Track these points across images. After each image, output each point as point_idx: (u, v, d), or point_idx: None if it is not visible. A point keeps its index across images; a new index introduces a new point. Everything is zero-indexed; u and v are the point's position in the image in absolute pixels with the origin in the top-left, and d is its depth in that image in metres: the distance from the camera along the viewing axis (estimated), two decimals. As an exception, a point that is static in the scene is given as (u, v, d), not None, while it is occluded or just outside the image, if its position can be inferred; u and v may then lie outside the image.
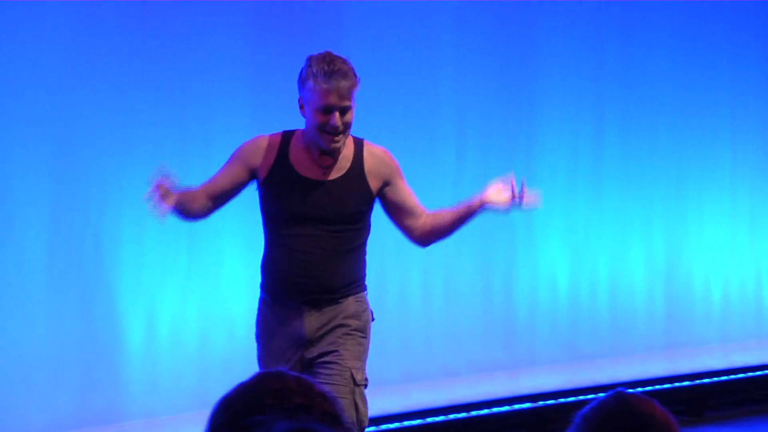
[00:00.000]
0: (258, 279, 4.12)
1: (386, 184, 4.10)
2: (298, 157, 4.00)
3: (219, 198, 4.04)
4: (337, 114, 3.92)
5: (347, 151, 4.04)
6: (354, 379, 4.04)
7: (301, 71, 3.99)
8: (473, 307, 7.02)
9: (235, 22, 6.17)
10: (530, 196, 4.19)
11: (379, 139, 6.68)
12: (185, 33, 5.97)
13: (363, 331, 4.10)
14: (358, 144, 4.08)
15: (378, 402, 6.20)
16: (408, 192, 4.17)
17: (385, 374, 6.65)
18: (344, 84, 3.94)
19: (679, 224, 7.90)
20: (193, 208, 3.99)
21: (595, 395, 2.12)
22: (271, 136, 4.06)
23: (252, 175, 4.02)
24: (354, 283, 4.12)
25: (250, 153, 4.02)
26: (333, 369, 3.96)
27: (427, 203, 7.23)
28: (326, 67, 3.93)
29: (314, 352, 4.00)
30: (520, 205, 4.21)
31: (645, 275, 7.75)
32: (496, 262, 7.14)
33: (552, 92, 7.32)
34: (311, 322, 3.99)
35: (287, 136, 4.05)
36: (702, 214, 7.99)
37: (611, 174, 7.59)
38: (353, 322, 4.07)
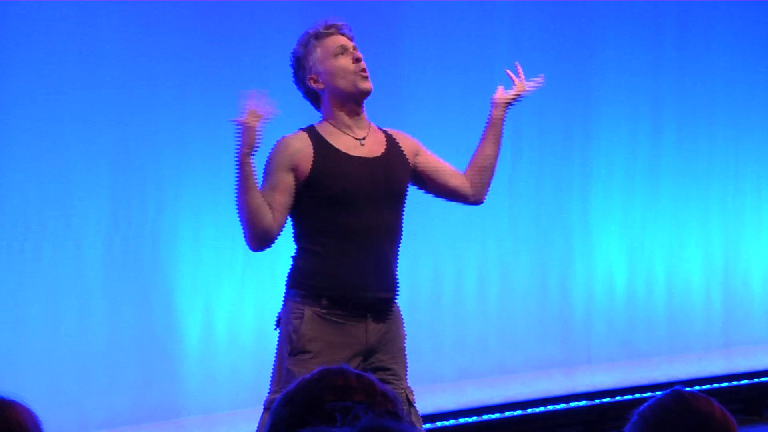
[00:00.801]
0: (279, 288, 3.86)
1: (416, 154, 3.96)
2: (336, 140, 3.78)
3: (282, 208, 3.72)
4: (354, 51, 3.84)
5: (377, 133, 3.89)
6: (408, 400, 3.83)
7: (296, 53, 3.86)
8: (529, 304, 7.00)
9: (293, 20, 6.19)
10: (531, 80, 4.14)
11: (435, 138, 6.68)
12: (250, 32, 5.99)
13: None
14: (384, 130, 3.96)
15: (433, 399, 6.20)
16: (438, 157, 4.03)
17: (440, 371, 6.65)
18: (347, 29, 3.89)
19: (737, 221, 7.83)
20: (266, 213, 3.67)
21: (652, 393, 2.11)
22: (297, 132, 3.83)
23: (295, 177, 3.73)
24: (398, 283, 3.87)
25: (286, 154, 3.75)
26: None
27: (484, 203, 7.20)
28: (323, 24, 3.87)
29: (374, 363, 3.74)
30: (526, 89, 4.18)
31: (702, 272, 7.68)
32: (552, 259, 7.11)
33: (609, 89, 7.28)
34: (374, 330, 3.73)
35: (311, 129, 3.83)
36: (760, 211, 7.91)
37: (668, 171, 7.53)
38: (404, 334, 3.86)
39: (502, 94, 4.19)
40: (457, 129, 6.72)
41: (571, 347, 7.15)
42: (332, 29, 3.85)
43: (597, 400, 6.58)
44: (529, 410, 6.37)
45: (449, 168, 4.03)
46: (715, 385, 6.92)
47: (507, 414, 6.30)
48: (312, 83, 3.83)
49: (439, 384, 6.60)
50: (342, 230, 3.70)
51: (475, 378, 6.72)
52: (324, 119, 3.86)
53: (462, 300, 6.76)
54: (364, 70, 3.83)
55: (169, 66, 5.75)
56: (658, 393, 1.99)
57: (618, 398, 6.60)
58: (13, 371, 5.22)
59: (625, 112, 7.34)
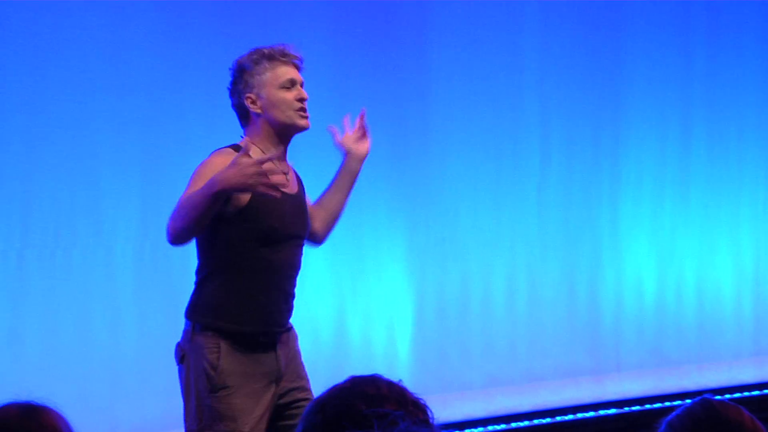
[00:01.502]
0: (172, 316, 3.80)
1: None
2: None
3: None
4: (301, 88, 3.73)
5: (288, 167, 3.80)
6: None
7: (243, 65, 3.71)
8: (558, 311, 6.98)
9: (323, 24, 6.21)
10: (361, 126, 3.98)
11: (462, 142, 6.71)
12: (282, 38, 6.01)
13: None
14: (290, 165, 3.87)
15: (462, 407, 6.20)
16: (312, 203, 3.93)
17: (468, 378, 6.65)
18: (300, 62, 3.77)
19: (768, 228, 7.79)
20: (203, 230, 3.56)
21: (681, 402, 2.11)
22: (228, 150, 3.65)
23: (227, 199, 3.55)
24: None
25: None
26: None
27: (511, 208, 7.23)
28: (280, 49, 3.73)
29: (285, 385, 3.72)
30: (364, 135, 3.99)
31: (733, 279, 7.64)
32: (581, 266, 7.09)
33: (638, 95, 7.26)
34: (283, 355, 3.71)
35: (239, 149, 3.60)
36: (792, 218, 7.87)
37: (698, 177, 7.50)
38: (298, 349, 3.82)
39: (352, 142, 4.00)
40: (485, 135, 6.72)
41: (600, 355, 7.12)
42: (287, 58, 3.74)
43: (626, 408, 6.55)
44: (558, 418, 6.35)
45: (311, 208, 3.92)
46: (746, 394, 6.88)
47: (536, 422, 6.29)
48: (249, 102, 3.71)
49: (468, 391, 6.59)
50: (260, 265, 3.62)
51: (504, 385, 6.71)
52: (250, 139, 3.73)
53: (490, 307, 6.76)
54: (304, 109, 3.73)
55: (199, 72, 5.77)
56: (687, 401, 1.98)
57: (647, 406, 6.57)
58: (45, 377, 5.25)
59: (655, 118, 7.32)
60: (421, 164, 6.53)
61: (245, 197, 3.59)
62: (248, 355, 3.64)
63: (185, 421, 3.72)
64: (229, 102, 3.83)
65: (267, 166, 3.46)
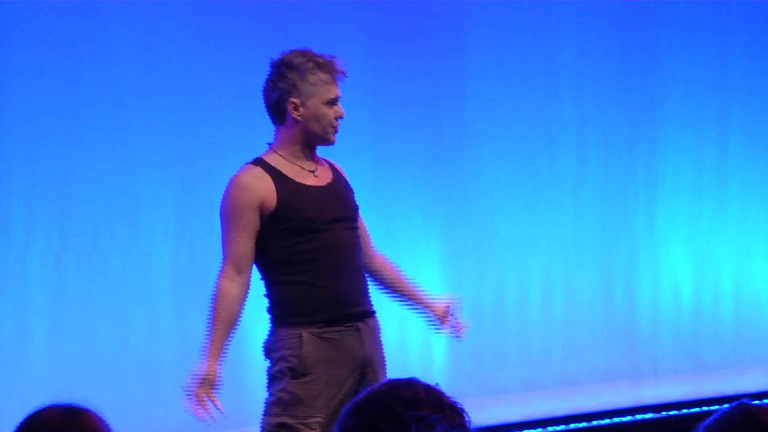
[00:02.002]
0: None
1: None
2: (289, 171, 3.82)
3: (251, 262, 3.81)
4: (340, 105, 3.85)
5: (321, 163, 3.93)
6: None
7: (293, 66, 3.79)
8: (594, 315, 6.96)
9: (359, 26, 6.22)
10: (461, 329, 4.11)
11: (498, 145, 6.70)
12: (318, 42, 6.03)
13: None
14: (325, 160, 4.00)
15: (497, 411, 6.19)
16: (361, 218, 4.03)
17: (504, 382, 6.64)
18: (345, 75, 3.88)
19: (807, 232, 7.73)
20: (239, 312, 3.83)
21: (719, 406, 2.10)
22: (249, 167, 3.83)
23: (260, 214, 3.77)
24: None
25: (249, 193, 3.76)
26: None
27: (547, 211, 7.21)
28: (334, 63, 3.82)
29: (369, 374, 3.84)
30: (453, 332, 4.14)
31: (771, 284, 7.59)
32: (618, 269, 7.06)
33: (675, 97, 7.23)
34: (368, 337, 3.85)
35: (261, 162, 3.84)
36: (831, 221, 7.80)
37: (736, 180, 7.46)
38: (382, 342, 3.97)
39: (438, 311, 4.15)
40: (521, 138, 6.71)
41: (637, 359, 7.09)
42: (339, 74, 3.83)
43: (663, 413, 6.52)
44: (595, 422, 6.33)
45: (365, 233, 4.04)
46: (784, 398, 6.83)
47: (572, 426, 6.27)
48: (291, 107, 3.80)
49: (503, 395, 6.58)
50: (309, 256, 3.77)
51: (540, 389, 6.69)
52: (272, 148, 3.87)
53: (526, 311, 6.74)
54: (337, 127, 3.85)
55: (236, 75, 5.79)
56: (725, 406, 1.98)
57: (684, 411, 6.54)
58: (83, 379, 5.29)
59: (692, 120, 7.29)
60: (457, 167, 6.53)
61: (272, 202, 3.75)
62: (330, 342, 3.78)
63: (265, 412, 3.86)
64: (263, 94, 3.89)
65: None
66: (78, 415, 2.00)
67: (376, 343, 3.90)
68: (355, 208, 3.93)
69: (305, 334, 3.76)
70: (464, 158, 6.55)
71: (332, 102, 3.81)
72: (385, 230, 6.25)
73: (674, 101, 7.23)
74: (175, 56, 5.68)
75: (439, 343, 6.44)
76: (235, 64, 5.80)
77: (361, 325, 3.83)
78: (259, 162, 3.85)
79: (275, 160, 3.83)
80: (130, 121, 5.58)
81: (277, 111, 3.84)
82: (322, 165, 3.93)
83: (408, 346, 6.34)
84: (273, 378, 3.84)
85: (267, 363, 3.88)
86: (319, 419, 3.75)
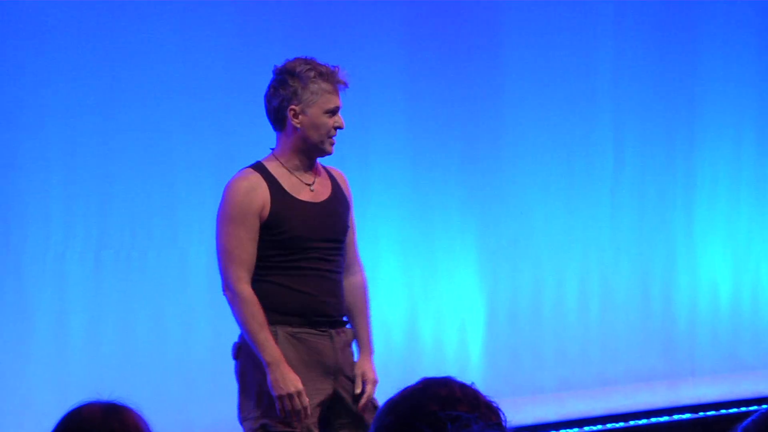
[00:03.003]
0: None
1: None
2: (286, 183, 3.86)
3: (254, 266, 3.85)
4: (340, 116, 3.86)
5: (322, 175, 3.94)
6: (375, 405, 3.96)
7: (295, 74, 3.83)
8: (631, 314, 6.93)
9: (395, 25, 6.22)
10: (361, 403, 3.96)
11: (535, 144, 6.68)
12: (349, 40, 6.04)
13: None
14: (326, 169, 4.00)
15: (534, 410, 6.17)
16: (353, 225, 4.03)
17: (540, 382, 6.62)
18: (346, 85, 3.89)
19: None
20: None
21: (757, 407, 2.08)
22: (248, 172, 3.89)
23: (259, 219, 3.83)
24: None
25: (252, 197, 3.82)
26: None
27: (584, 210, 7.18)
28: (334, 72, 3.84)
29: (343, 384, 3.88)
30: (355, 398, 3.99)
31: (810, 284, 7.53)
32: (655, 270, 7.03)
33: (713, 95, 7.18)
34: (339, 342, 3.88)
35: (260, 167, 3.89)
36: None
37: (775, 180, 7.41)
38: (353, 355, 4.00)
39: (360, 380, 3.99)
40: (557, 137, 6.69)
41: (675, 359, 7.06)
42: (339, 84, 3.85)
43: (701, 413, 6.49)
44: (632, 422, 6.31)
45: (351, 242, 4.01)
46: (824, 399, 6.77)
47: (609, 426, 6.25)
48: (291, 114, 3.83)
49: (540, 395, 6.56)
50: (292, 267, 3.83)
51: (577, 389, 6.67)
52: (274, 154, 3.90)
53: (563, 310, 6.72)
54: (333, 137, 3.86)
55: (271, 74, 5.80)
56: (763, 407, 1.96)
57: (722, 411, 6.50)
58: (120, 377, 5.32)
59: (730, 119, 7.24)
60: (493, 166, 6.52)
61: (266, 210, 3.79)
62: (305, 343, 3.82)
63: (240, 413, 3.89)
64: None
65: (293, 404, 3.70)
66: (118, 412, 2.02)
67: (346, 352, 3.93)
68: (345, 227, 3.94)
69: (280, 332, 3.80)
70: (501, 158, 6.54)
71: (332, 112, 3.83)
72: (421, 229, 6.26)
73: (712, 100, 7.19)
74: (214, 55, 5.70)
75: (476, 342, 6.43)
76: (272, 63, 5.81)
77: (333, 332, 3.87)
78: (258, 167, 3.90)
79: (275, 168, 3.88)
80: (168, 120, 5.60)
81: (276, 117, 3.88)
82: (322, 176, 3.95)
83: (444, 345, 6.34)
84: (244, 378, 3.88)
85: (234, 365, 3.92)
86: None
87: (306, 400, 3.75)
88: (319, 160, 3.97)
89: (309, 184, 3.88)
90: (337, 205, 3.93)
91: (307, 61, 3.86)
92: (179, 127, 5.63)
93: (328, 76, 3.83)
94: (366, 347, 3.99)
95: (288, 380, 3.72)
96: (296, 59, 3.88)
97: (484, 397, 1.74)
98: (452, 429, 1.60)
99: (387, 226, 5.77)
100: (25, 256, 5.34)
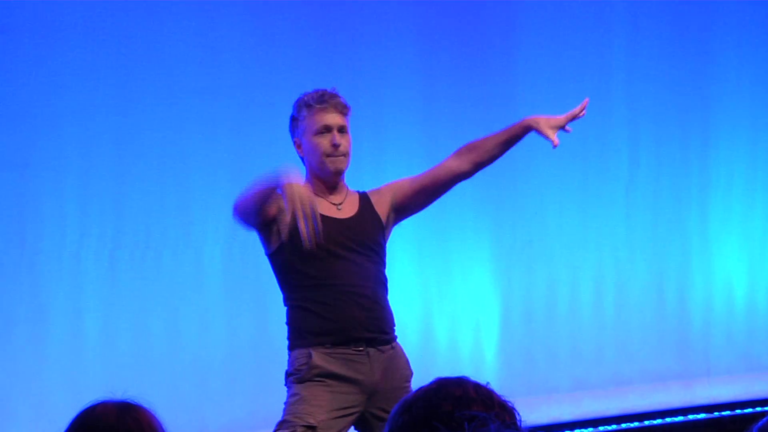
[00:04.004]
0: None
1: (393, 194, 4.06)
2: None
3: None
4: (336, 132, 3.91)
5: (352, 196, 4.00)
6: None
7: (293, 110, 4.00)
8: (646, 314, 6.92)
9: (409, 26, 6.22)
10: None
11: (550, 144, 6.65)
12: (366, 38, 6.04)
13: None
14: (362, 193, 4.05)
15: (549, 410, 6.17)
16: (414, 176, 4.12)
17: (555, 382, 6.61)
18: (338, 104, 3.95)
19: None
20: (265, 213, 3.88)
21: (773, 407, 2.08)
22: None
23: (274, 218, 3.86)
24: (394, 324, 4.01)
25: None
26: None
27: (599, 210, 7.16)
28: (317, 95, 3.95)
29: (375, 405, 3.87)
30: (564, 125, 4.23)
31: (826, 284, 7.51)
32: (670, 269, 7.02)
33: (728, 95, 7.17)
34: (377, 363, 3.87)
35: None
36: None
37: (791, 180, 7.39)
38: (407, 373, 3.96)
39: (544, 124, 4.25)
40: (572, 137, 6.66)
41: (690, 359, 7.04)
42: (324, 104, 3.93)
43: (716, 413, 6.47)
44: (647, 422, 6.30)
45: (432, 170, 4.13)
46: (839, 399, 6.75)
47: (623, 426, 6.24)
48: (297, 148, 4.00)
49: (555, 395, 6.56)
50: (316, 282, 3.87)
51: (591, 389, 6.66)
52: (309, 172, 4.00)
53: (578, 310, 6.71)
54: (338, 154, 3.92)
55: (289, 74, 5.81)
56: (779, 407, 1.95)
57: (737, 411, 6.48)
58: (135, 376, 5.33)
59: (745, 119, 7.22)
60: (507, 166, 6.50)
61: (286, 226, 3.82)
62: (340, 359, 3.85)
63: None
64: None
65: (310, 208, 3.67)
66: (132, 411, 2.03)
67: (393, 372, 3.91)
68: (378, 242, 3.98)
69: (314, 352, 3.85)
70: (515, 157, 6.50)
71: (320, 132, 3.92)
72: (436, 229, 6.26)
73: (727, 100, 7.17)
74: (229, 55, 5.71)
75: (490, 342, 6.43)
76: (288, 64, 5.82)
77: (372, 351, 3.88)
78: None
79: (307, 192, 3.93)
80: (183, 120, 5.61)
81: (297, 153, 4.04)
82: (352, 197, 4.01)
83: (458, 346, 6.34)
84: (287, 394, 3.92)
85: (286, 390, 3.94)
86: (318, 418, 3.79)
87: (317, 208, 3.70)
88: (356, 188, 4.04)
89: (335, 204, 3.96)
90: (366, 222, 3.98)
91: (302, 97, 4.01)
92: (194, 126, 5.64)
93: (311, 102, 3.95)
94: (513, 127, 4.15)
95: (300, 187, 3.70)
96: (300, 97, 4.03)
97: (499, 396, 1.73)
98: (469, 428, 1.60)
99: (401, 226, 5.76)
100: (40, 255, 5.36)
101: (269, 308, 5.80)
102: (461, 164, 4.11)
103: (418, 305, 6.25)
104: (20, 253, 5.33)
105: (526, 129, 4.17)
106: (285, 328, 3.97)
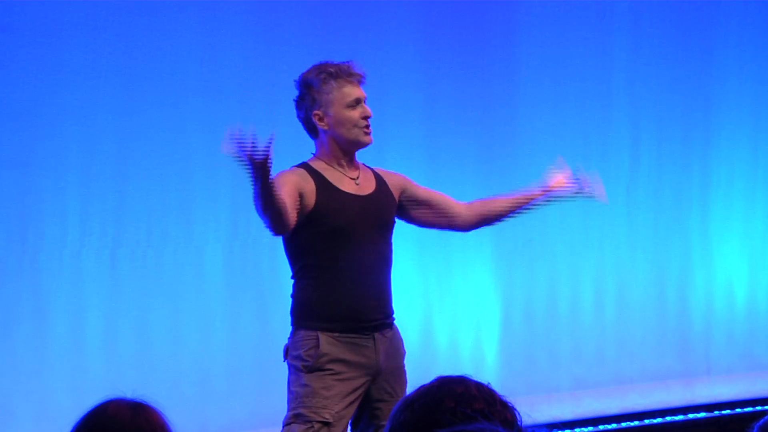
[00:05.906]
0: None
1: (403, 189, 4.08)
2: (331, 177, 3.91)
3: (295, 213, 3.80)
4: (366, 105, 3.91)
5: (366, 172, 4.01)
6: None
7: (309, 82, 3.91)
8: (647, 314, 6.92)
9: (411, 26, 6.22)
10: (594, 185, 4.18)
11: (551, 143, 6.67)
12: (367, 38, 6.05)
13: None
14: (373, 169, 4.06)
15: (549, 409, 6.17)
16: (429, 189, 4.14)
17: (556, 381, 6.62)
18: (363, 77, 3.94)
19: None
20: (287, 214, 3.72)
21: (773, 406, 2.08)
22: (293, 168, 3.92)
23: (300, 201, 3.82)
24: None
25: (294, 180, 3.83)
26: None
27: (600, 210, 7.16)
28: (345, 67, 3.92)
29: (381, 385, 3.91)
30: (584, 193, 4.25)
31: (827, 283, 7.51)
32: (671, 269, 7.02)
33: (729, 95, 7.17)
34: (382, 346, 3.91)
35: (306, 166, 3.93)
36: None
37: (791, 179, 7.39)
38: (403, 352, 4.01)
39: (557, 186, 4.31)
40: (573, 136, 6.68)
41: (690, 358, 7.05)
42: (352, 77, 3.92)
43: (716, 412, 6.47)
44: (647, 421, 6.30)
45: (440, 197, 4.16)
46: (840, 399, 6.75)
47: (624, 425, 6.24)
48: (316, 119, 3.92)
49: (556, 394, 6.56)
50: (340, 263, 3.85)
51: (592, 388, 6.67)
52: (316, 156, 3.97)
53: (578, 310, 6.72)
54: (368, 126, 3.93)
55: (290, 74, 5.80)
56: (779, 406, 1.96)
57: (738, 410, 6.49)
58: (136, 375, 5.34)
59: (746, 118, 7.23)
60: (508, 165, 6.52)
61: (311, 201, 3.83)
62: (347, 345, 3.86)
63: (287, 408, 3.91)
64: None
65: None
66: (145, 411, 2.03)
67: (393, 353, 3.95)
68: (392, 221, 4.01)
69: (321, 336, 3.85)
70: (516, 157, 6.54)
71: (353, 104, 3.90)
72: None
73: (729, 99, 7.17)
74: (231, 55, 5.71)
75: (491, 342, 6.43)
76: (290, 64, 5.82)
77: (377, 335, 3.91)
78: (303, 165, 3.96)
79: (319, 165, 3.94)
80: (184, 120, 5.62)
81: (308, 127, 3.98)
82: (366, 173, 4.02)
83: (459, 345, 6.34)
84: (291, 378, 3.92)
85: (285, 364, 3.94)
86: (332, 411, 3.81)
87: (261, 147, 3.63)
88: (371, 163, 4.05)
89: (354, 178, 3.95)
90: (383, 199, 4.00)
91: (318, 67, 3.95)
92: (195, 126, 5.65)
93: (339, 73, 3.91)
94: (528, 190, 4.19)
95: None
96: (308, 69, 3.98)
97: (500, 396, 1.74)
98: (473, 418, 1.61)
99: (402, 225, 5.76)
100: (41, 254, 5.37)
101: (270, 307, 5.80)
102: (469, 218, 4.18)
103: (418, 304, 6.26)
104: (22, 251, 5.34)
105: (536, 193, 4.24)
106: (287, 318, 3.95)
